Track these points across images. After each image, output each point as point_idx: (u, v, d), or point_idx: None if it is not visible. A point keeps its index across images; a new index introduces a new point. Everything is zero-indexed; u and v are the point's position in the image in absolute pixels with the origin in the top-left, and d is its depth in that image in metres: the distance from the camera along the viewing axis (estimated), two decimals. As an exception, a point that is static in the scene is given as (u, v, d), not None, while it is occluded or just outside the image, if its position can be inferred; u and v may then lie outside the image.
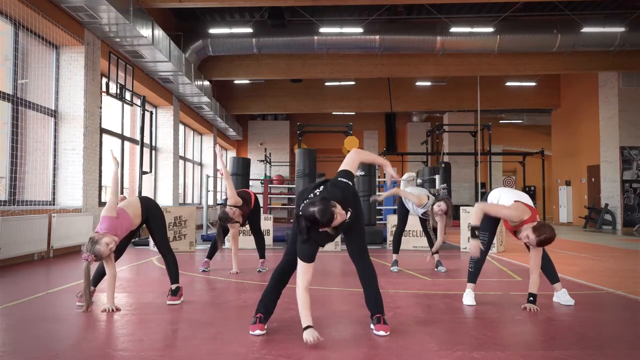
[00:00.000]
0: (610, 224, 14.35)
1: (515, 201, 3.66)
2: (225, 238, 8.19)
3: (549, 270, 3.89)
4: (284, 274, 3.07)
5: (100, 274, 3.81)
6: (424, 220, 5.71)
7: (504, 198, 3.78)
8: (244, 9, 12.27)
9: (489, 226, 3.87)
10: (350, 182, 2.92)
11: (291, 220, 16.03)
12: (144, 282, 5.00)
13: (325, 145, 19.72)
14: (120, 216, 3.57)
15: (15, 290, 4.35)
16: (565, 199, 17.35)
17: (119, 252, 3.83)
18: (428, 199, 5.41)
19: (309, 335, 2.67)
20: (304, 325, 2.73)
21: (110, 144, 9.99)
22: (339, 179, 2.92)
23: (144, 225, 3.89)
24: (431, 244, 5.76)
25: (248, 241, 7.72)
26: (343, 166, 3.01)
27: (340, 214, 2.65)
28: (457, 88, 17.29)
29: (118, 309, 3.52)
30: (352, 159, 3.04)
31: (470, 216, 3.74)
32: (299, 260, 2.80)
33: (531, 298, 3.69)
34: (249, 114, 20.06)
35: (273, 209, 17.56)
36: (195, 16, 12.57)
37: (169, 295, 3.80)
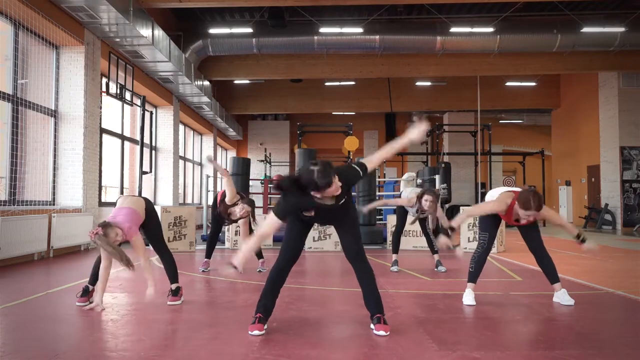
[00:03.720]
0: (610, 224, 14.35)
1: (500, 193, 3.72)
2: (225, 238, 8.22)
3: (549, 270, 3.89)
4: (281, 273, 3.06)
5: (99, 272, 3.80)
6: (423, 221, 5.71)
7: (494, 194, 3.86)
8: (244, 9, 12.27)
9: (489, 227, 3.88)
10: (360, 171, 2.89)
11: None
12: (144, 282, 4.98)
13: (325, 145, 19.70)
14: (136, 214, 3.63)
15: (15, 290, 4.35)
16: (565, 199, 17.34)
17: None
18: (418, 194, 5.37)
19: (226, 271, 2.69)
20: (232, 262, 2.72)
21: (110, 144, 9.99)
22: (354, 165, 2.93)
23: (142, 227, 3.89)
24: (431, 244, 5.77)
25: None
26: (365, 160, 2.98)
27: (336, 185, 2.65)
28: (457, 88, 17.29)
29: (102, 309, 3.51)
30: (379, 158, 3.04)
31: (455, 219, 3.75)
32: (270, 212, 2.83)
33: (582, 237, 3.70)
34: (249, 114, 20.05)
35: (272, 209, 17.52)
36: (195, 16, 12.57)
37: (170, 296, 3.80)
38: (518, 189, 3.75)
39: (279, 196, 2.81)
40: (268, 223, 2.82)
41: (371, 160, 2.98)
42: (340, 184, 2.68)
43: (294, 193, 2.69)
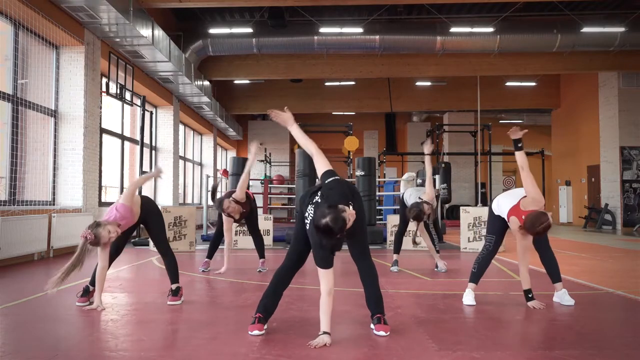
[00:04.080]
0: (610, 224, 14.35)
1: (509, 215, 3.67)
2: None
3: (552, 269, 3.88)
4: (285, 276, 3.07)
5: None
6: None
7: (503, 206, 3.79)
8: (244, 9, 12.27)
9: (497, 230, 3.87)
10: (337, 178, 2.93)
11: (291, 221, 16.03)
12: (144, 282, 5.00)
13: (325, 145, 19.52)
14: (128, 210, 3.60)
15: (15, 290, 4.35)
16: (565, 199, 17.34)
17: (117, 249, 3.83)
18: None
19: (320, 339, 2.68)
20: (322, 330, 2.74)
21: (110, 144, 9.99)
22: (327, 181, 2.92)
23: (143, 225, 3.89)
24: (433, 244, 5.78)
25: (248, 241, 7.71)
26: (322, 169, 3.00)
27: (351, 214, 2.68)
28: (457, 88, 17.29)
29: (103, 308, 3.51)
30: (322, 159, 3.03)
31: (521, 280, 3.81)
32: (318, 268, 2.81)
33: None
34: (249, 114, 20.06)
35: (273, 209, 17.55)
36: (195, 16, 12.57)
37: (170, 296, 3.79)
38: (515, 199, 3.71)
39: (313, 250, 2.84)
40: (324, 277, 2.82)
41: (323, 164, 3.00)
42: (353, 211, 2.71)
43: (327, 243, 2.69)
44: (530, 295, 3.73)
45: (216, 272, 5.35)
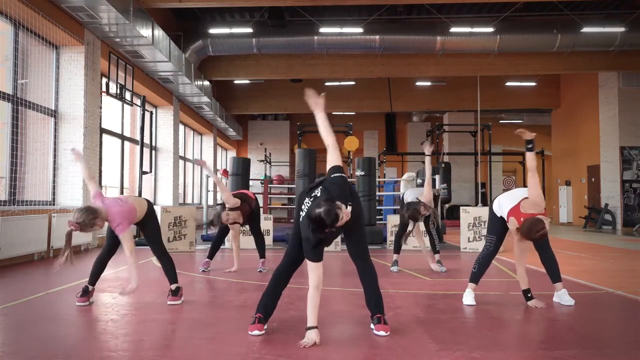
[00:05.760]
0: (610, 224, 14.35)
1: (509, 215, 3.68)
2: (226, 238, 8.22)
3: (552, 269, 3.88)
4: (284, 275, 3.07)
5: (97, 272, 3.80)
6: (426, 219, 5.72)
7: (504, 205, 3.79)
8: (244, 9, 12.27)
9: (497, 230, 3.87)
10: (344, 176, 2.94)
11: (291, 220, 16.02)
12: (144, 282, 4.98)
13: (325, 145, 19.69)
14: (132, 210, 3.63)
15: (15, 290, 4.35)
16: (565, 199, 17.33)
17: (114, 246, 3.82)
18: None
19: (308, 337, 2.68)
20: (308, 325, 2.74)
21: (110, 144, 9.99)
22: (333, 175, 2.94)
23: (139, 227, 3.90)
24: (433, 244, 5.78)
25: (248, 241, 7.71)
26: (333, 162, 3.02)
27: (346, 214, 2.67)
28: (457, 88, 17.29)
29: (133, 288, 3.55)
30: (337, 153, 3.06)
31: (519, 280, 3.81)
32: (308, 261, 2.81)
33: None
34: (249, 114, 20.06)
35: (273, 209, 17.55)
36: (195, 16, 12.57)
37: (170, 296, 3.80)
38: (514, 200, 3.72)
39: (303, 242, 2.82)
40: (313, 270, 2.79)
41: (335, 158, 3.04)
42: (348, 211, 2.70)
43: (318, 236, 2.68)
44: (529, 295, 3.75)
45: (226, 271, 5.40)
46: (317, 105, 3.11)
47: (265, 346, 2.69)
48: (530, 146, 3.63)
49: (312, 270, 2.79)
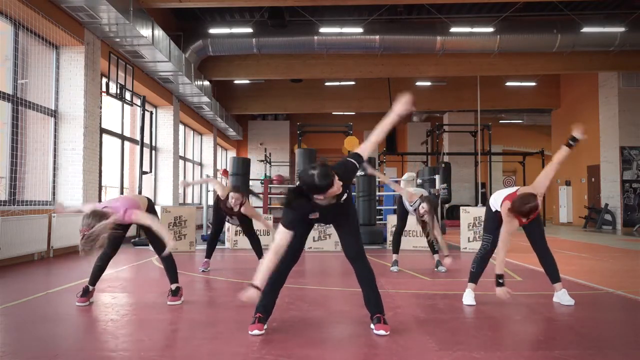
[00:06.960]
0: (610, 224, 14.35)
1: (503, 201, 3.70)
2: (226, 238, 8.23)
3: (550, 269, 3.88)
4: (281, 273, 3.06)
5: (98, 272, 3.80)
6: (424, 222, 5.69)
7: (500, 195, 3.84)
8: (244, 9, 12.27)
9: (494, 229, 3.87)
10: (357, 164, 2.92)
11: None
12: (144, 282, 5.00)
13: (325, 145, 19.67)
14: (132, 199, 3.68)
15: (15, 290, 4.35)
16: (565, 199, 17.34)
17: (116, 246, 3.83)
18: (419, 199, 5.36)
19: (249, 293, 2.70)
20: (253, 282, 2.74)
21: (110, 144, 9.99)
22: (348, 158, 2.94)
23: (141, 226, 3.90)
24: (431, 245, 5.77)
25: (247, 241, 7.72)
26: (360, 149, 3.01)
27: (337, 184, 2.65)
28: (457, 88, 17.28)
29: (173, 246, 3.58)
30: (369, 146, 3.05)
31: (496, 264, 3.67)
32: (279, 225, 2.82)
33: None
34: (249, 114, 20.05)
35: (273, 209, 17.55)
36: (195, 16, 12.57)
37: (170, 296, 3.79)
38: (514, 189, 3.76)
39: (283, 210, 2.82)
40: (280, 237, 2.81)
41: (365, 149, 3.01)
42: (340, 183, 2.69)
43: (299, 202, 2.68)
44: (500, 281, 3.59)
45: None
46: (399, 107, 3.05)
47: (265, 346, 2.69)
48: (572, 143, 3.75)
49: (278, 234, 2.81)
